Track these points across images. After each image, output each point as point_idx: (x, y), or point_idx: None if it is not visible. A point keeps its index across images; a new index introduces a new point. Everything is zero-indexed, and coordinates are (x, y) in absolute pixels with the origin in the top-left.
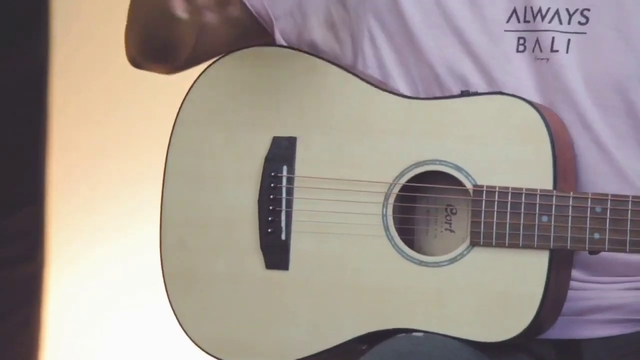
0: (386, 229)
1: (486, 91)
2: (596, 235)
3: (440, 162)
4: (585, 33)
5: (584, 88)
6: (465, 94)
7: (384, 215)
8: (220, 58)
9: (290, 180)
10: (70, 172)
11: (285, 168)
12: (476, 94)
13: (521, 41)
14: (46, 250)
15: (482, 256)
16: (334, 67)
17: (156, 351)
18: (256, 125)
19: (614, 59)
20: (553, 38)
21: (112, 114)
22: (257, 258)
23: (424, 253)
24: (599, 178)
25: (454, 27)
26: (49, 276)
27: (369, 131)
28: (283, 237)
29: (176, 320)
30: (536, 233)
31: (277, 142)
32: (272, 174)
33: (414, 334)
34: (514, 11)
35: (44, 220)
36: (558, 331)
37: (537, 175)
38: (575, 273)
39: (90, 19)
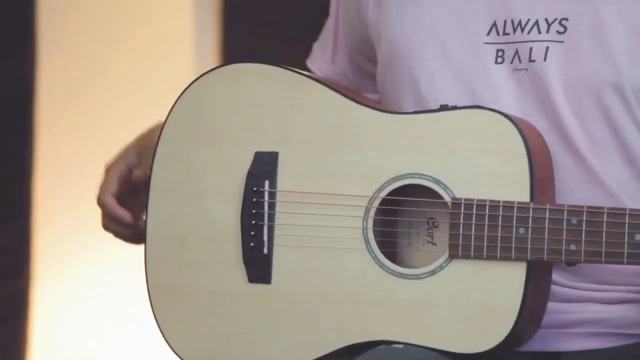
0: (367, 242)
1: (465, 105)
2: (572, 247)
3: (419, 175)
4: (563, 42)
5: (562, 95)
6: (444, 108)
7: (365, 229)
8: (201, 76)
9: (272, 195)
10: (57, 187)
11: (267, 183)
12: (455, 108)
13: (500, 53)
14: (33, 265)
15: (461, 268)
16: (314, 82)
17: None
18: (239, 140)
19: (590, 66)
20: (531, 48)
21: (99, 128)
22: (240, 272)
23: (407, 266)
24: (576, 185)
25: (437, 40)
26: (35, 291)
27: (350, 145)
28: (265, 251)
29: (161, 336)
30: (513, 245)
31: (259, 157)
32: (255, 188)
33: (394, 345)
34: (494, 24)
35: (31, 235)
36: (538, 343)
37: (515, 188)
38: (556, 277)
39: (77, 35)
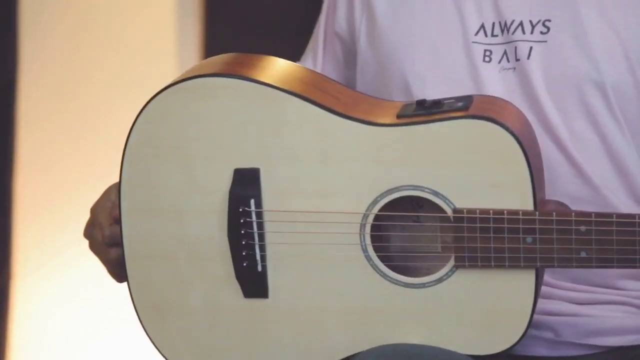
0: (368, 258)
1: (445, 97)
2: (583, 254)
3: (415, 187)
4: (546, 42)
5: (546, 92)
6: (426, 104)
7: (363, 244)
8: (161, 91)
9: (259, 215)
10: (38, 185)
11: (253, 202)
12: (438, 103)
13: (487, 53)
14: (13, 262)
15: (468, 276)
16: (287, 95)
17: None
18: (212, 157)
19: (572, 64)
20: (515, 47)
21: (81, 127)
22: (233, 288)
23: (392, 249)
24: (560, 178)
25: (429, 43)
26: (16, 289)
27: (335, 159)
28: (259, 268)
29: (159, 353)
30: (522, 255)
31: (239, 174)
32: (240, 209)
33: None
34: (482, 26)
35: (12, 232)
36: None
37: (516, 196)
38: None
39: (59, 33)
